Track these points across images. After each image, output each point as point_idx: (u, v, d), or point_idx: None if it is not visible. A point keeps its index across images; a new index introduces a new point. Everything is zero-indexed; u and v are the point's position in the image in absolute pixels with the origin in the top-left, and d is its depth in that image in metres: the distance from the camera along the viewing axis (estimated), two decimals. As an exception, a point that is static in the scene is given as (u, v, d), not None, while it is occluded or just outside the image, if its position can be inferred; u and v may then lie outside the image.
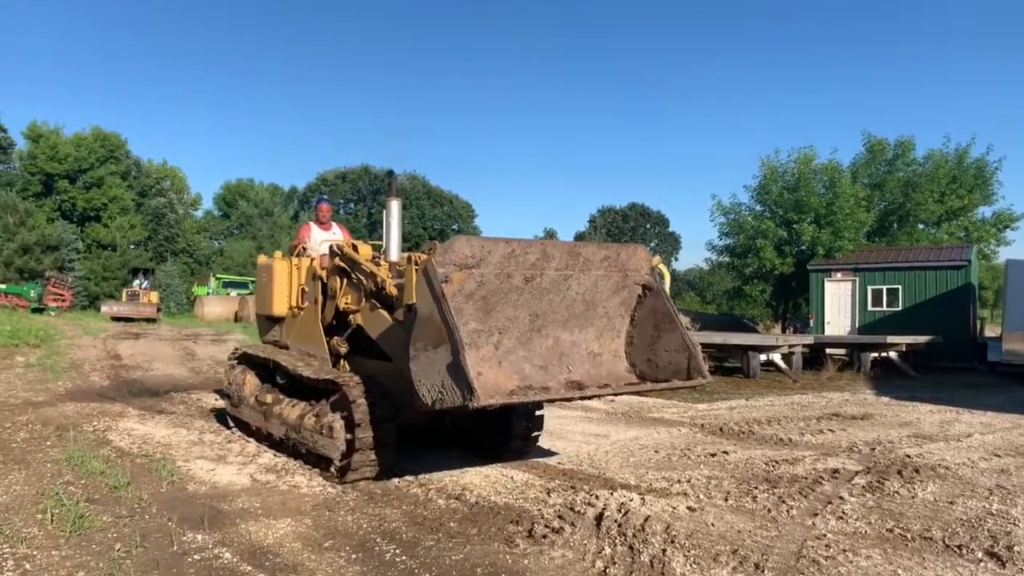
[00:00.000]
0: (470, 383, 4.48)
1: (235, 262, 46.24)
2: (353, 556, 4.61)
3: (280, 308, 7.82)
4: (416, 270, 5.01)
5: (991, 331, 27.56)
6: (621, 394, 5.95)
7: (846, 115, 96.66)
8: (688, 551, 4.53)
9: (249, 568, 4.41)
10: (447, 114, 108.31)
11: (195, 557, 4.56)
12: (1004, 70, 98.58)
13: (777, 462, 7.22)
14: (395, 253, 6.92)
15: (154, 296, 32.84)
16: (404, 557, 4.58)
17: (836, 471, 6.83)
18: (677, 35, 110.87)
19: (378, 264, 6.75)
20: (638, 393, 5.92)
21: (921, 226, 29.96)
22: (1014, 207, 31.52)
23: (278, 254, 8.07)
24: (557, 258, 5.30)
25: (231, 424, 8.32)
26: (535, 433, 7.22)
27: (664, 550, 4.53)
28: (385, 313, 6.34)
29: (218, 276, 41.13)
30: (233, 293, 36.17)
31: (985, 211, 31.22)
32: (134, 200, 48.75)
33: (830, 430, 9.35)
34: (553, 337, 5.54)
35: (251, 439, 7.83)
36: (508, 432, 7.01)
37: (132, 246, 47.68)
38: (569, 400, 5.29)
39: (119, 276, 42.82)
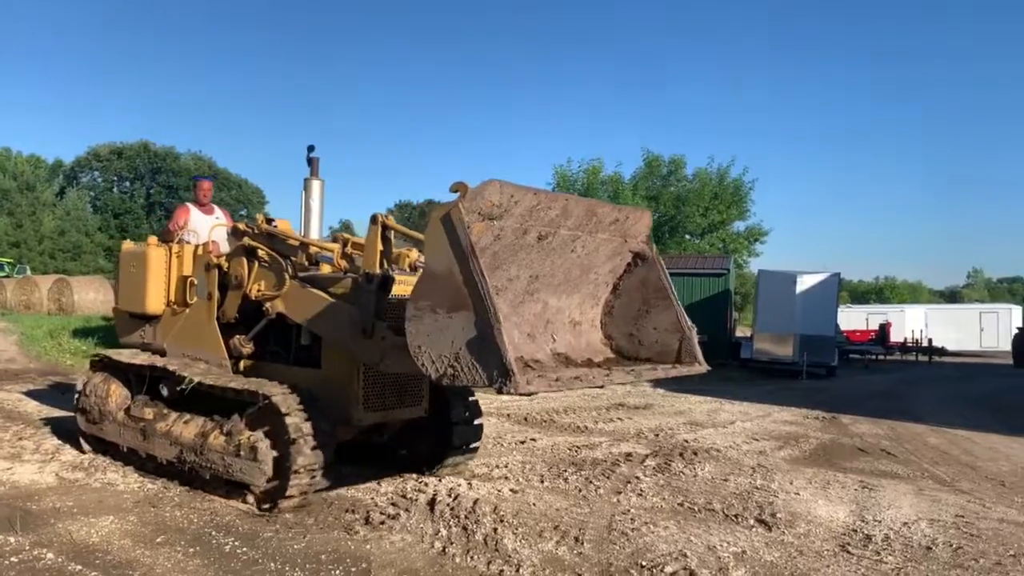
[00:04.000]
0: (507, 366, 3.70)
1: (-14, 240, 41.03)
2: (191, 550, 4.59)
3: (155, 305, 6.64)
4: (435, 218, 4.02)
5: (740, 332, 31.22)
6: (641, 381, 5.34)
7: (630, 131, 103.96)
8: (516, 529, 5.01)
9: (79, 567, 4.27)
10: (237, 96, 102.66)
11: (12, 559, 4.32)
12: (762, 100, 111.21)
13: (579, 447, 7.96)
14: (315, 236, 6.24)
15: None
16: (245, 548, 4.64)
17: (629, 454, 7.68)
18: (478, 42, 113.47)
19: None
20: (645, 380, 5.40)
21: (688, 236, 33.29)
22: (763, 223, 35.88)
23: (152, 240, 6.84)
24: (574, 216, 4.65)
25: (86, 446, 6.81)
26: (474, 444, 6.63)
27: (495, 529, 4.99)
28: (319, 292, 5.54)
29: (-36, 256, 36.34)
30: (-15, 275, 32.11)
31: (739, 225, 35.30)
32: None
33: (619, 419, 10.36)
34: (543, 302, 4.90)
35: (117, 462, 6.45)
36: (448, 443, 6.37)
37: None
38: (600, 386, 4.74)
39: None
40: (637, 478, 6.63)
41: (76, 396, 6.86)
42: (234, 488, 5.51)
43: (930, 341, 30.64)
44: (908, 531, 5.40)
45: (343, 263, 5.61)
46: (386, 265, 5.11)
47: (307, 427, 5.17)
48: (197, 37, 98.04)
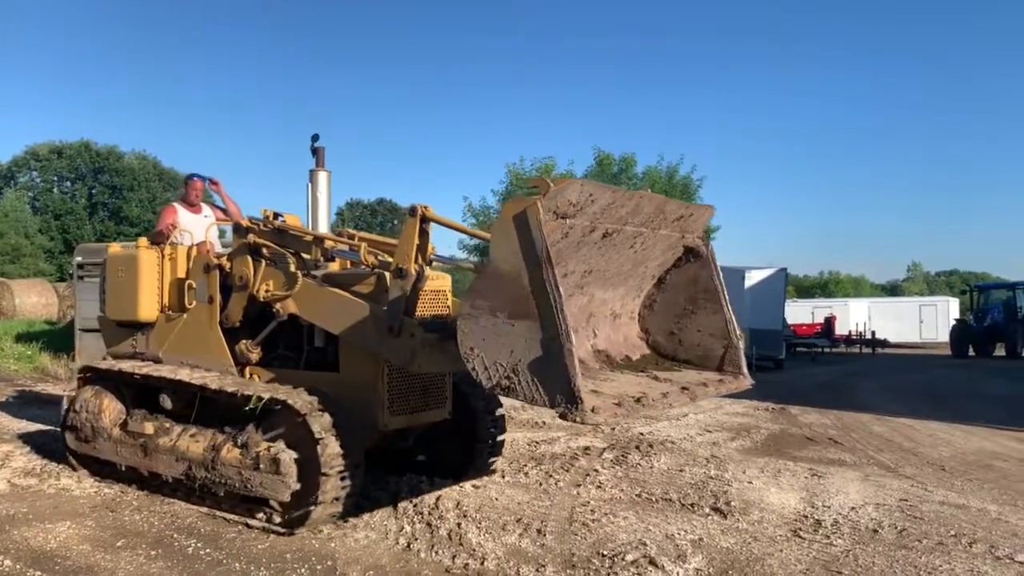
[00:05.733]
0: (575, 392, 3.43)
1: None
2: (152, 553, 4.57)
3: (148, 311, 6.17)
4: (508, 214, 3.64)
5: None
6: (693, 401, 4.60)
7: (583, 130, 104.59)
8: (480, 523, 5.09)
9: (38, 573, 4.24)
10: (180, 94, 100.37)
11: (-33, 568, 4.25)
12: (709, 99, 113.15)
13: (538, 442, 8.07)
14: (324, 230, 5.90)
15: None
16: (208, 550, 4.63)
17: (587, 448, 7.81)
18: (428, 39, 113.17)
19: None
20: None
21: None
22: (712, 220, 36.48)
23: (142, 241, 6.44)
24: (643, 214, 4.36)
25: (75, 464, 6.34)
26: (500, 437, 6.39)
27: (459, 524, 5.05)
28: (336, 290, 5.23)
29: None
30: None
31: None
32: None
33: (576, 415, 10.47)
34: (590, 294, 4.61)
35: (106, 481, 6.04)
36: (473, 442, 6.16)
37: None
38: (668, 409, 4.13)
39: None
40: (596, 471, 6.76)
41: (63, 413, 6.36)
42: (249, 504, 5.18)
43: (873, 333, 31.62)
44: (856, 515, 5.62)
45: (371, 259, 5.25)
46: (421, 260, 4.83)
47: (335, 435, 4.85)
48: (136, 32, 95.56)
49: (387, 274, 4.98)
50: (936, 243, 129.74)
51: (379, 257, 5.34)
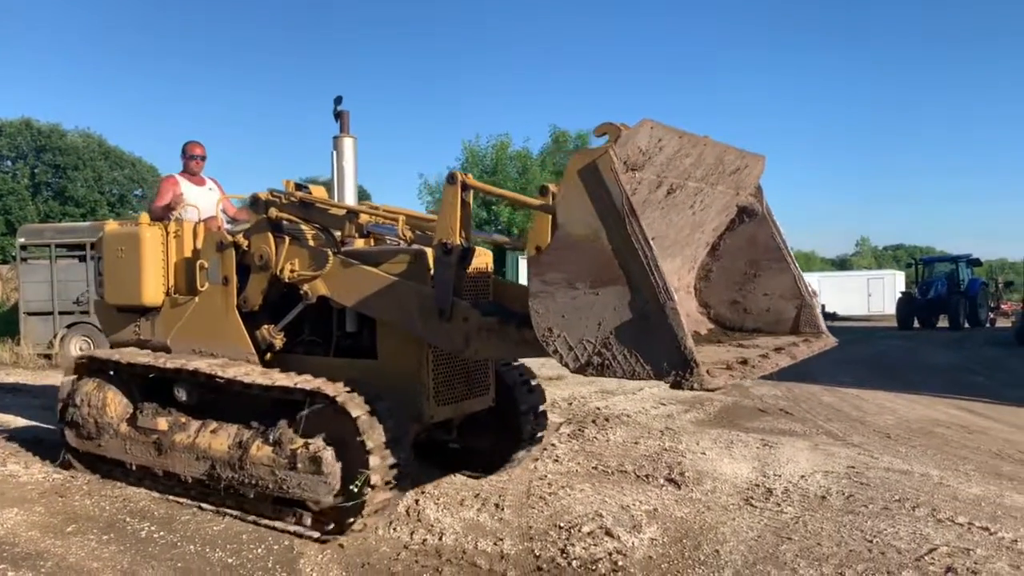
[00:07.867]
0: (686, 355, 3.03)
1: None
2: (104, 537, 4.50)
3: (152, 295, 5.62)
4: (573, 170, 3.30)
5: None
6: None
7: (537, 108, 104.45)
8: (437, 499, 5.12)
9: (-16, 561, 4.13)
10: (125, 71, 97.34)
11: (-90, 557, 4.14)
12: (660, 75, 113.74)
13: (495, 420, 8.10)
14: (351, 203, 5.52)
15: None
16: (162, 532, 4.58)
17: (545, 424, 7.88)
18: (387, 10, 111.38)
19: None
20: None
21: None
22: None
23: (144, 217, 5.84)
24: (704, 165, 3.98)
25: (72, 463, 5.84)
26: (540, 433, 5.96)
27: (416, 500, 5.09)
28: (373, 269, 4.73)
29: None
30: None
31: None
32: None
33: (533, 391, 10.55)
34: None
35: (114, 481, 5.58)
36: (517, 434, 5.73)
37: None
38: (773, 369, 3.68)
39: None
40: (553, 445, 6.83)
41: (61, 407, 5.79)
42: (286, 507, 4.73)
43: (823, 307, 32.27)
44: (805, 483, 5.77)
45: (408, 234, 4.87)
46: (465, 234, 4.33)
47: (383, 430, 4.39)
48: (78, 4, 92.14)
49: (428, 251, 4.56)
50: (883, 218, 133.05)
51: (416, 232, 5.01)
